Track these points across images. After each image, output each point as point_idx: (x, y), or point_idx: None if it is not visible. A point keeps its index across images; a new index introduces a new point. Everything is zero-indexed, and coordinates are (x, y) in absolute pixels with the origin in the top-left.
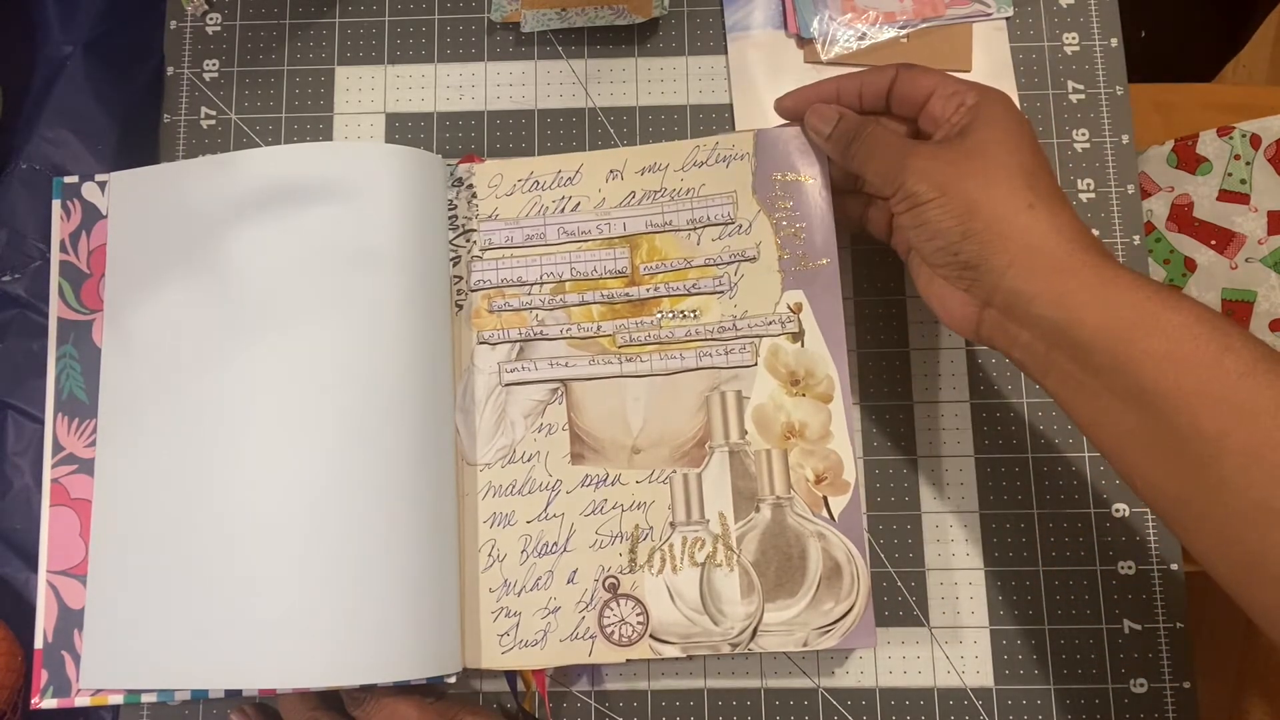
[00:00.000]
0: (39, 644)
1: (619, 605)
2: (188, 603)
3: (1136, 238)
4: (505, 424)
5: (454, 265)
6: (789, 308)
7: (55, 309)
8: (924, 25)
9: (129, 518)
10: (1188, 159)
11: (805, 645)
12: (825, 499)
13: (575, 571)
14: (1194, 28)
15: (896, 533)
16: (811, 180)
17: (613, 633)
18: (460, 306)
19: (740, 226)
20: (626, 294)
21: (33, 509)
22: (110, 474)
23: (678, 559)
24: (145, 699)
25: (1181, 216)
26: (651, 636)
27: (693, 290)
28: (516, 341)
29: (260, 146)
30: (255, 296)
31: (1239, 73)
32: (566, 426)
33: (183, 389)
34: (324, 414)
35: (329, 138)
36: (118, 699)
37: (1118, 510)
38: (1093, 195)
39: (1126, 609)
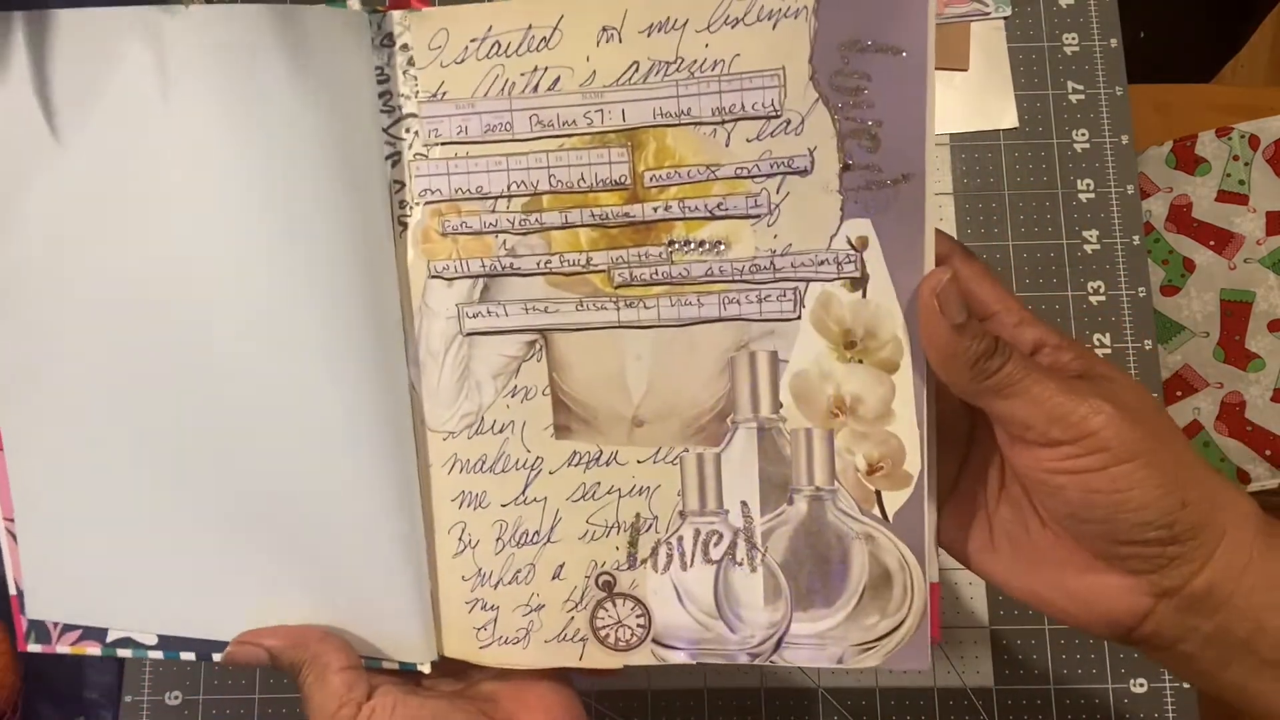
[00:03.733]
0: (12, 590)
1: (614, 606)
2: (128, 543)
3: (1136, 238)
4: (470, 384)
5: (391, 165)
6: (850, 242)
7: None
8: None
9: (51, 445)
10: (1186, 159)
11: (840, 662)
12: (879, 494)
13: (562, 566)
14: (1193, 28)
15: None
16: (905, 55)
17: (607, 636)
18: (404, 225)
19: (788, 122)
20: (626, 214)
21: None
22: (19, 399)
23: (688, 555)
24: (120, 653)
25: (1180, 217)
26: (654, 641)
27: (717, 212)
28: (479, 275)
29: None
30: (126, 191)
31: (1238, 73)
32: (548, 390)
33: (90, 322)
34: (239, 354)
35: None
36: (95, 651)
37: None
38: (1092, 195)
39: None
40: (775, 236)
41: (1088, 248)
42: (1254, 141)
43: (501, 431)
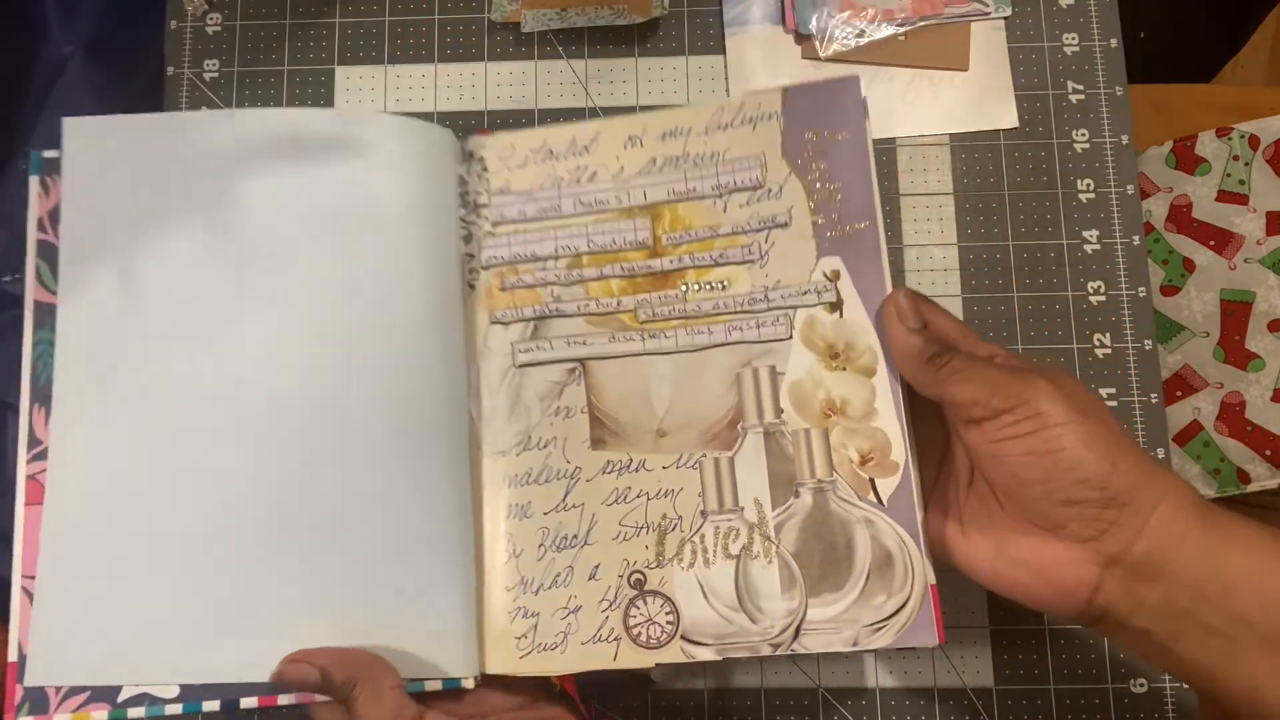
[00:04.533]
0: (13, 656)
1: (645, 603)
2: (155, 592)
3: (1136, 238)
4: (520, 408)
5: (465, 243)
6: (825, 275)
7: (31, 292)
8: (922, 23)
9: (86, 499)
10: (1186, 159)
11: (855, 645)
12: (872, 481)
13: (597, 567)
14: (1193, 28)
15: None
16: (846, 136)
17: (639, 634)
18: (473, 286)
19: (770, 190)
20: (649, 266)
21: None
22: (65, 454)
23: (710, 551)
24: (132, 714)
25: (1180, 217)
26: (683, 637)
27: (720, 260)
28: (530, 320)
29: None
30: (238, 264)
31: (1238, 73)
32: (585, 409)
33: (153, 361)
34: (320, 395)
35: None
36: (101, 715)
37: None
38: (1092, 195)
39: None
40: (767, 275)
41: (1088, 248)
42: (1254, 141)
43: (546, 446)
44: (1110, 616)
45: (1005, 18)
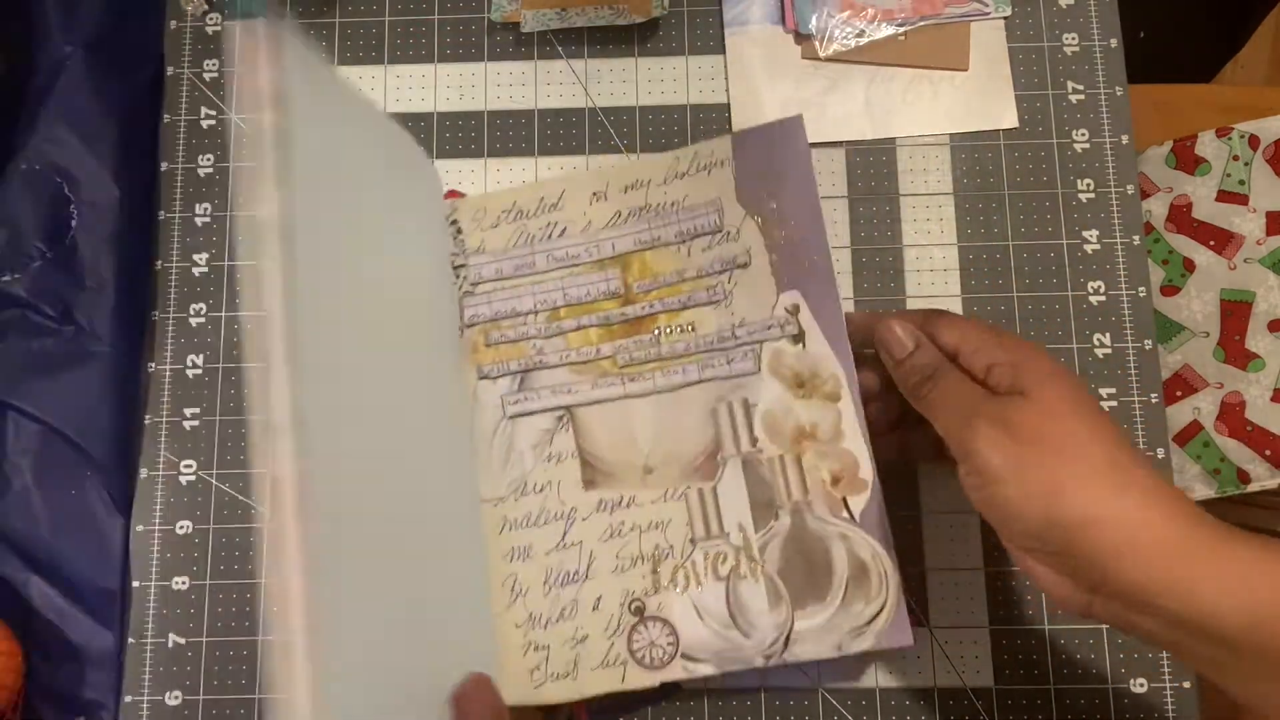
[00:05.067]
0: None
1: (647, 628)
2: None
3: (1136, 238)
4: (514, 456)
5: (454, 304)
6: (786, 310)
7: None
8: (922, 23)
9: None
10: (1186, 159)
11: (840, 650)
12: (844, 499)
13: (600, 598)
14: (1193, 28)
15: (897, 533)
16: (794, 175)
17: (643, 656)
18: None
19: (728, 234)
20: (622, 313)
21: (33, 509)
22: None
23: (701, 575)
24: None
25: (1180, 217)
26: (683, 656)
27: (688, 303)
28: (517, 373)
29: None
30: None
31: (1238, 73)
32: (575, 453)
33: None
34: (391, 447)
35: None
36: None
37: None
38: (1092, 195)
39: None
40: (732, 314)
41: (1088, 248)
42: (1254, 141)
43: (542, 490)
44: (1113, 626)
45: (1005, 18)
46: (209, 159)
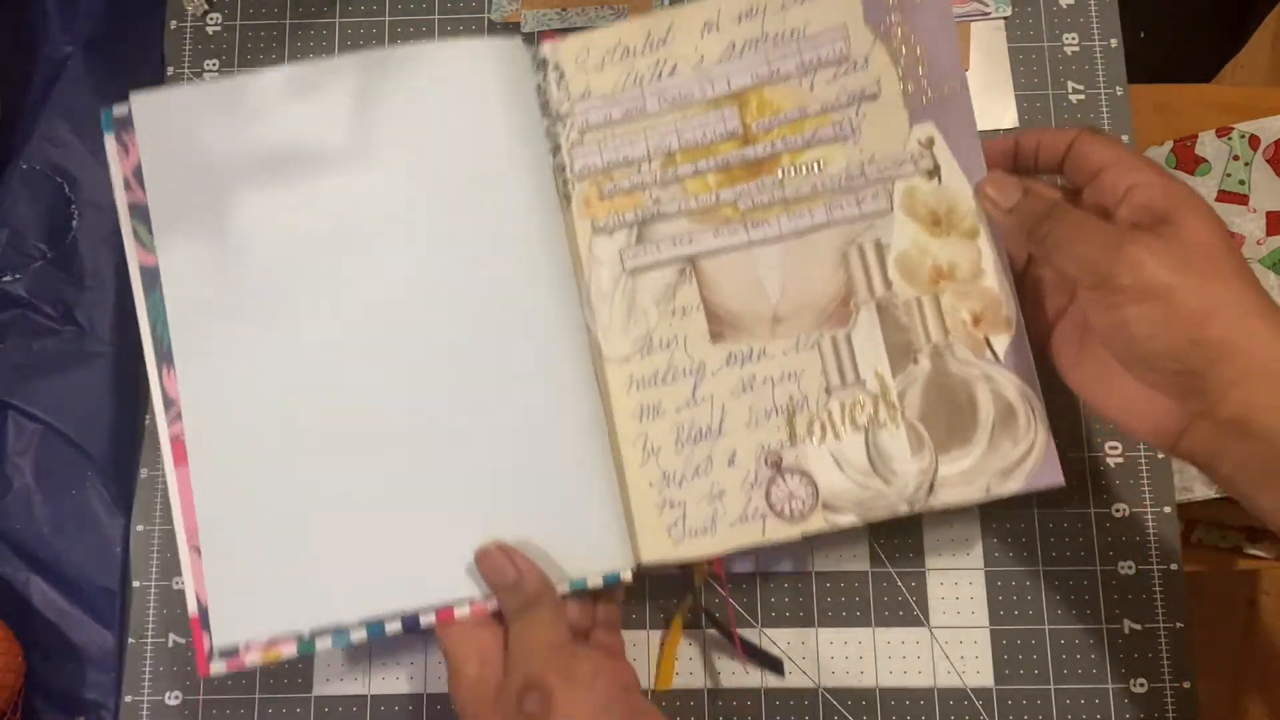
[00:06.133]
0: (191, 609)
1: (785, 481)
2: (318, 530)
3: None
4: (637, 313)
5: (554, 155)
6: (919, 143)
7: (134, 256)
8: None
9: (230, 449)
10: (1186, 159)
11: (988, 492)
12: (987, 339)
13: (734, 453)
14: (1194, 28)
15: (896, 532)
16: None
17: (782, 509)
18: (569, 198)
19: (855, 63)
20: (742, 155)
21: (33, 509)
22: (200, 408)
23: (839, 426)
24: (320, 645)
25: None
26: (824, 507)
27: (812, 141)
28: (633, 224)
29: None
30: (343, 213)
31: (1238, 73)
32: (700, 306)
33: (272, 303)
34: (440, 319)
35: None
36: (291, 650)
37: (1118, 510)
38: None
39: (1126, 609)
40: (861, 150)
41: None
42: (1254, 141)
43: (668, 347)
44: (1197, 459)
45: (1005, 18)
46: None
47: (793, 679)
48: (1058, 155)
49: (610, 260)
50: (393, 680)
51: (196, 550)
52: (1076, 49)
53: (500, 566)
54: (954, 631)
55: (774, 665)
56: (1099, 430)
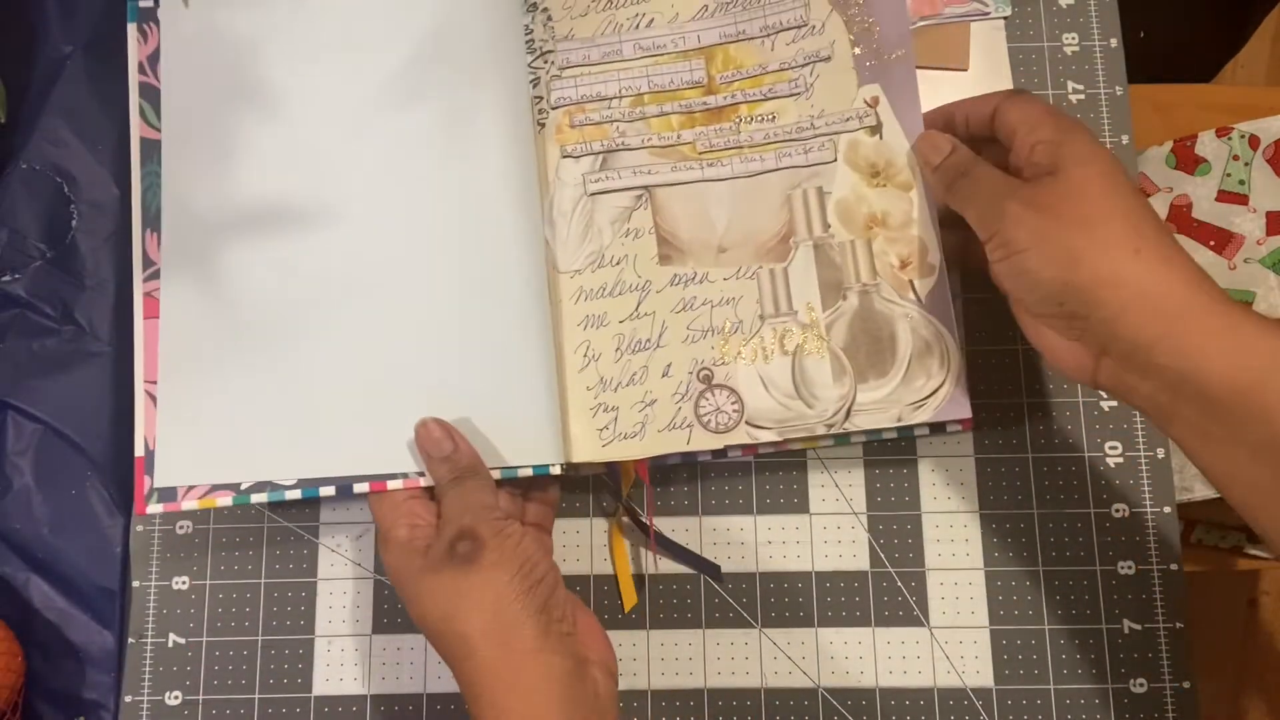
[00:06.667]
0: (139, 451)
1: (714, 395)
2: (271, 393)
3: None
4: (593, 231)
5: (534, 86)
6: (865, 102)
7: (136, 130)
8: (922, 23)
9: (201, 310)
10: (1186, 159)
11: (899, 420)
12: (911, 282)
13: (669, 365)
14: (1193, 28)
15: (896, 533)
16: None
17: (709, 421)
18: (542, 125)
19: (813, 28)
20: (704, 103)
21: (32, 509)
22: (178, 270)
23: (769, 350)
24: (255, 499)
25: (1180, 217)
26: (747, 423)
27: (769, 95)
28: (599, 153)
29: None
30: (335, 117)
31: (1238, 73)
32: (653, 230)
33: (260, 184)
34: (416, 219)
35: None
36: (226, 501)
37: (1118, 510)
38: None
39: (1126, 609)
40: (812, 106)
41: None
42: (1254, 141)
43: (618, 264)
44: (1114, 394)
45: (1005, 18)
46: None
47: (793, 679)
48: (985, 121)
49: (574, 183)
50: (393, 680)
51: (153, 398)
52: (1076, 49)
53: (437, 438)
54: (954, 631)
55: (710, 569)
56: (1099, 430)
